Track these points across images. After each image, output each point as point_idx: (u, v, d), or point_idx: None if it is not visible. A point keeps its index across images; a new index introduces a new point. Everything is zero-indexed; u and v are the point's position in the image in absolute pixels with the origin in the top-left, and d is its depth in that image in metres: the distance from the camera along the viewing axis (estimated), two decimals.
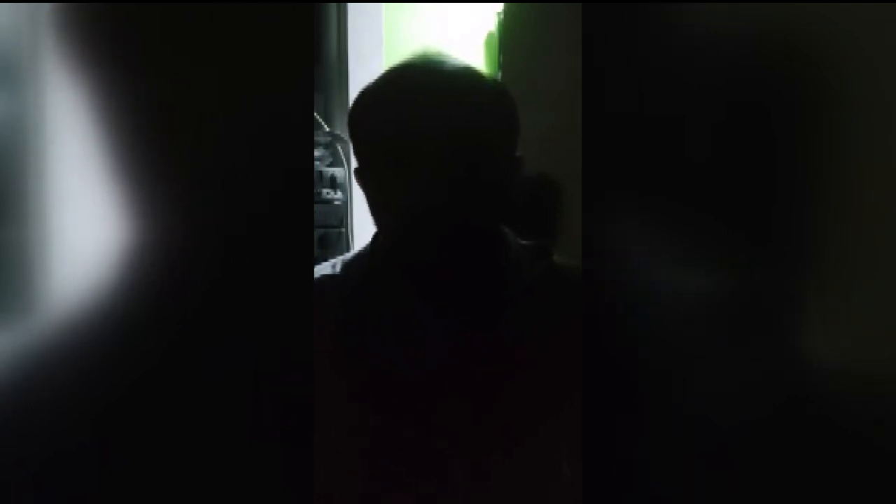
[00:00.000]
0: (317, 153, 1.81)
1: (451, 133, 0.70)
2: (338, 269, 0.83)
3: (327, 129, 1.86)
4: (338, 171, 1.84)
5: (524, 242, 0.83)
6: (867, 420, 0.54)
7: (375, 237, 0.83)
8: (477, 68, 0.79)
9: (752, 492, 0.55)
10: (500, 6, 1.84)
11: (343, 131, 1.87)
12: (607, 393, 0.56)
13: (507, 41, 1.77)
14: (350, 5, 1.91)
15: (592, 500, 0.56)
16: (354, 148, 0.78)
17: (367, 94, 0.76)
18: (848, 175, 0.54)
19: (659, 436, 0.56)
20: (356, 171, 0.79)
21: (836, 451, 0.54)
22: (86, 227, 0.55)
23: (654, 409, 0.56)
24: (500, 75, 1.69)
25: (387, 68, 0.77)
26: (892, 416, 0.53)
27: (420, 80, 0.74)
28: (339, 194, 1.85)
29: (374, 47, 1.90)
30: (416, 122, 0.70)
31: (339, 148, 1.85)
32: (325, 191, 1.82)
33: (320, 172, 1.82)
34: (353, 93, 0.78)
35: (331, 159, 1.85)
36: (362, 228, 1.82)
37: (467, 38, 1.93)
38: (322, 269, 0.83)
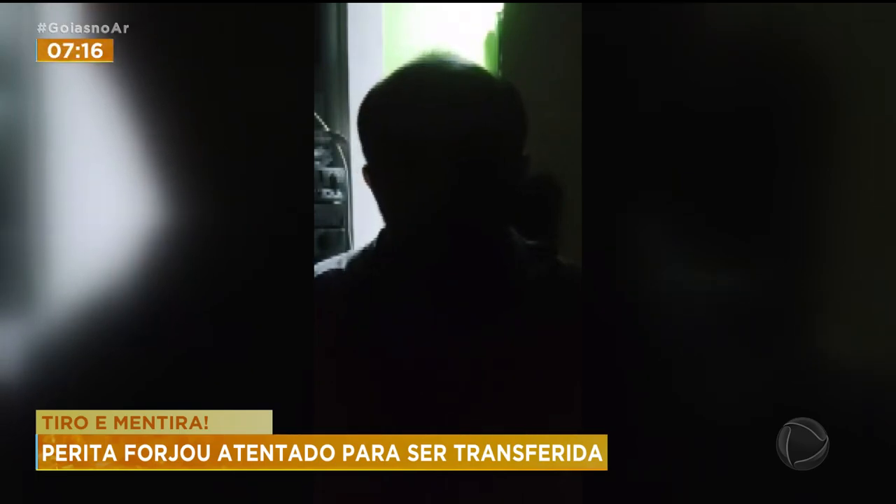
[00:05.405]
0: (317, 153, 1.81)
1: (460, 134, 0.70)
2: (343, 265, 0.83)
3: (327, 129, 1.86)
4: (338, 171, 1.84)
5: (528, 242, 0.83)
6: (874, 418, 0.54)
7: (382, 234, 0.83)
8: (485, 68, 0.78)
9: (754, 492, 0.55)
10: (500, 6, 1.84)
11: (343, 131, 1.87)
12: (607, 392, 0.56)
13: (507, 41, 1.77)
14: (350, 5, 1.91)
15: (592, 499, 0.56)
16: (363, 147, 0.78)
17: (376, 94, 0.76)
18: (848, 175, 0.54)
19: (659, 436, 0.56)
20: (364, 169, 0.79)
21: (839, 452, 0.54)
22: (84, 227, 0.55)
23: (654, 409, 0.56)
24: (499, 75, 1.69)
25: (395, 68, 0.77)
26: None
27: (429, 80, 0.74)
28: (339, 194, 1.85)
29: (374, 47, 1.90)
30: (425, 123, 0.70)
31: (339, 148, 1.85)
32: (325, 191, 1.82)
33: (320, 172, 1.81)
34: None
35: (331, 159, 1.85)
36: (362, 228, 1.82)
37: (467, 38, 1.93)
38: (328, 264, 0.84)
